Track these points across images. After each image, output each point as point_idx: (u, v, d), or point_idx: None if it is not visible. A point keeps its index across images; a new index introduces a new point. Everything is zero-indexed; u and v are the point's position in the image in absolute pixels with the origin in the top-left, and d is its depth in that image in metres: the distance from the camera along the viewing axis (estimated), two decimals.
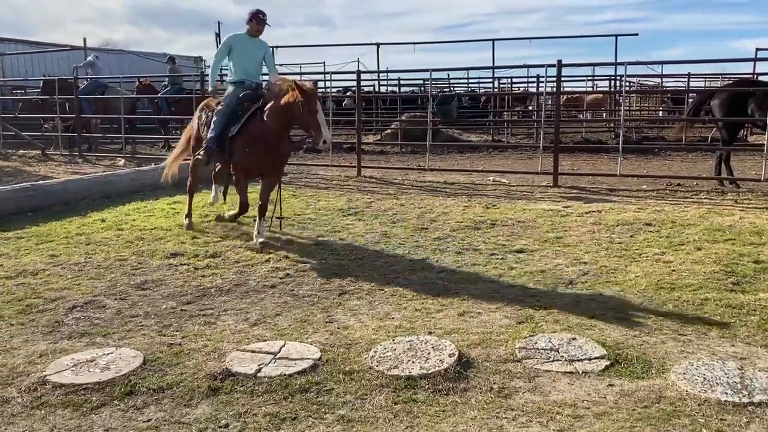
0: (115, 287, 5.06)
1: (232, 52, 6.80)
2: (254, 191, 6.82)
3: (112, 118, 15.94)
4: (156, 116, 16.88)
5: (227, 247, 6.23)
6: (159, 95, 16.57)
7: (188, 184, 7.20)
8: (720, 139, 10.54)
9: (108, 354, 3.71)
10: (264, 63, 7.11)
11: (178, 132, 18.75)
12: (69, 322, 4.32)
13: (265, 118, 6.15)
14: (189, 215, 7.08)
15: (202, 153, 6.58)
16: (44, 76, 17.43)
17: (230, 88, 6.72)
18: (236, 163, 6.40)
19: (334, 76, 22.00)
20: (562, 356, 3.59)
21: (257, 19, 6.74)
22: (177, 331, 4.14)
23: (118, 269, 5.55)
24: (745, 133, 17.05)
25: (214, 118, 6.46)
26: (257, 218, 6.36)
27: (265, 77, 7.33)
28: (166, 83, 17.19)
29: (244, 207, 6.63)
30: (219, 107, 6.52)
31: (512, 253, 5.92)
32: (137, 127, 17.06)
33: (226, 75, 7.22)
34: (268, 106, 6.17)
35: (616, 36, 21.98)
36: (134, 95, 16.85)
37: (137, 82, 17.20)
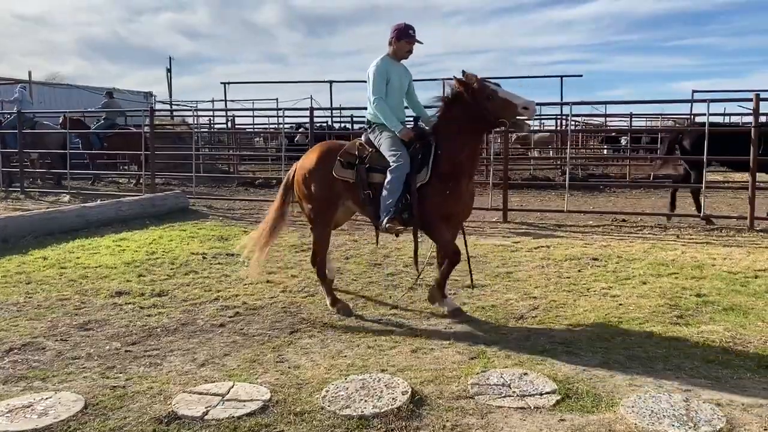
0: (56, 328, 4.86)
1: (388, 83, 5.24)
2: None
3: (47, 153, 15.51)
4: (86, 151, 16.39)
5: (174, 286, 6.08)
6: (90, 130, 16.21)
7: (318, 265, 5.55)
8: (678, 175, 10.59)
9: (46, 399, 3.54)
10: (406, 96, 5.51)
11: (110, 167, 18.25)
12: (5, 365, 4.12)
13: (448, 149, 4.90)
14: (335, 300, 5.42)
15: (390, 225, 4.96)
16: None
17: (385, 134, 5.16)
18: (439, 213, 5.00)
19: (287, 113, 22.04)
20: (514, 392, 3.60)
21: (409, 37, 5.23)
22: (121, 373, 3.99)
23: (60, 309, 5.34)
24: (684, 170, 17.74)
25: (392, 175, 4.95)
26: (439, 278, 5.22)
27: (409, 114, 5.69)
28: (98, 118, 16.90)
29: (457, 254, 5.11)
30: (391, 159, 5.00)
31: (464, 288, 5.96)
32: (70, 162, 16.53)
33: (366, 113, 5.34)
34: (443, 134, 4.96)
35: (562, 77, 22.85)
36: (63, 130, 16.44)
37: (62, 117, 16.65)
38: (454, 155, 4.89)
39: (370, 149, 5.21)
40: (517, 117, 4.68)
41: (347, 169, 5.21)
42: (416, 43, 5.29)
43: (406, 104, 5.56)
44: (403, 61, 5.44)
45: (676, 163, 10.84)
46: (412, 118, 5.56)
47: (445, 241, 5.10)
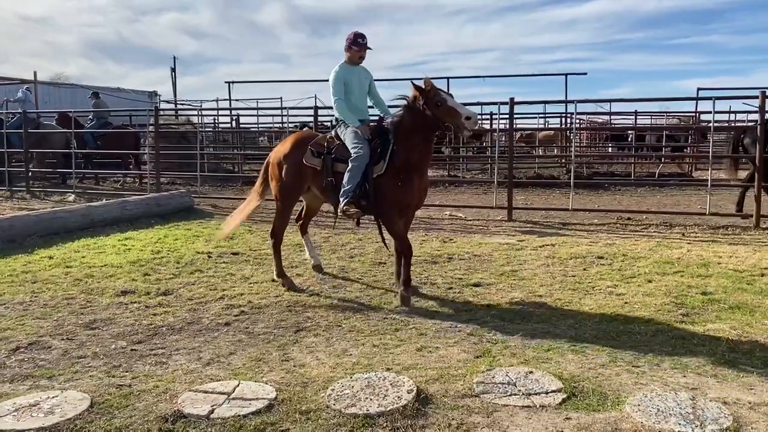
0: (61, 327, 4.88)
1: (346, 86, 5.90)
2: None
3: (49, 153, 15.60)
4: (81, 151, 16.47)
5: (180, 284, 6.10)
6: (84, 129, 16.27)
7: (275, 239, 6.26)
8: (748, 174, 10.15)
9: (53, 397, 3.55)
10: (369, 94, 6.20)
11: (108, 167, 18.25)
12: (12, 364, 4.13)
13: (403, 147, 5.44)
14: (283, 273, 6.18)
15: (347, 207, 5.51)
16: None
17: (349, 129, 5.73)
18: (393, 203, 5.51)
19: (291, 112, 21.98)
20: (519, 390, 3.60)
21: (359, 45, 5.87)
22: (127, 371, 4.00)
23: (66, 308, 5.36)
24: (690, 168, 17.71)
25: (352, 164, 5.50)
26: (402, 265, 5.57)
27: (373, 113, 6.23)
28: (90, 117, 16.96)
29: (409, 249, 5.54)
30: (353, 150, 5.56)
31: (469, 287, 5.96)
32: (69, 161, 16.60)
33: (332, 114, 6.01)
34: (400, 133, 5.49)
35: (566, 75, 22.79)
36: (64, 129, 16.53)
37: (57, 115, 16.84)
38: (408, 153, 5.45)
39: (338, 142, 5.84)
40: (459, 125, 5.21)
41: (316, 158, 5.87)
42: (367, 49, 5.92)
43: (370, 103, 6.24)
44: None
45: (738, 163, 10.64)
46: (377, 118, 6.03)
47: (397, 232, 5.60)
